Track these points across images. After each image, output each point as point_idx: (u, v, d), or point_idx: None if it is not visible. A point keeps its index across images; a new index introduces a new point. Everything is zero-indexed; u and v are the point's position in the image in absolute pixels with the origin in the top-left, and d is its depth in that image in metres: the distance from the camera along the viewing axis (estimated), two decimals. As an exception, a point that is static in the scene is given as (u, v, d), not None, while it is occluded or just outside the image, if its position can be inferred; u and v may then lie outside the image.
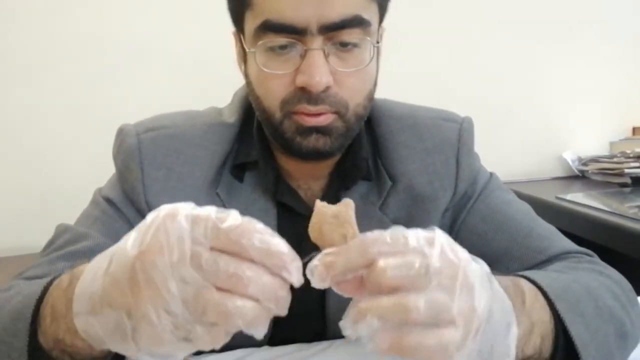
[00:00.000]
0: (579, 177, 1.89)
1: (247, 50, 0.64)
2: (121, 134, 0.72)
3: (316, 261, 0.39)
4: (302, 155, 0.65)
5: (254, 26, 0.61)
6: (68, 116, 1.50)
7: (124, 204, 0.69)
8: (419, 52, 1.74)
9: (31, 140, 1.48)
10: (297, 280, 0.37)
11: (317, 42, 0.59)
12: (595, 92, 1.95)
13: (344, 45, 0.61)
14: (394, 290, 0.37)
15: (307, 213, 0.70)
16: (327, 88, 0.61)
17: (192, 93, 1.42)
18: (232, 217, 0.36)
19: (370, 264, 0.37)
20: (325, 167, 0.72)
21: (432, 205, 0.73)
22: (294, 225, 0.65)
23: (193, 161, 0.70)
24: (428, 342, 0.36)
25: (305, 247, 0.42)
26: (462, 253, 0.39)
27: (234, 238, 0.36)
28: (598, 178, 1.80)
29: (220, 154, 0.71)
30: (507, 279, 0.52)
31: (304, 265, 0.38)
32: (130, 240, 0.37)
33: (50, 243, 0.67)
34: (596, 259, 0.69)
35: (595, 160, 1.83)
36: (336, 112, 0.63)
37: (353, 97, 0.64)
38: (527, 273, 0.55)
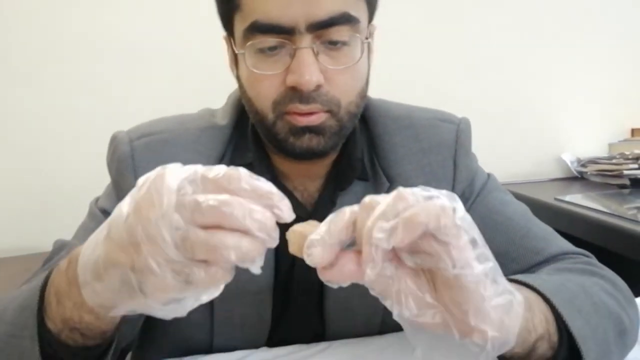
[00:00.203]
0: (577, 179, 1.89)
1: (236, 52, 0.64)
2: (114, 141, 0.71)
3: (314, 235, 0.40)
4: (296, 156, 0.65)
5: (243, 28, 0.61)
6: (68, 117, 1.50)
7: None
8: (417, 52, 1.75)
9: (31, 140, 1.48)
10: (288, 216, 0.38)
11: (305, 41, 0.60)
12: (594, 93, 1.95)
13: (333, 43, 0.61)
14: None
15: (303, 214, 0.70)
16: (318, 87, 0.61)
17: (192, 93, 1.42)
18: (217, 168, 0.38)
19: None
20: (321, 168, 0.72)
21: None
22: (290, 226, 0.66)
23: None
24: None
25: None
26: None
27: (222, 184, 0.37)
28: (597, 179, 1.80)
29: (214, 157, 0.71)
30: None
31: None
32: (125, 205, 0.38)
33: (48, 259, 0.67)
34: (593, 260, 0.69)
35: (594, 161, 1.83)
36: (328, 111, 0.63)
37: (345, 95, 0.64)
38: (518, 277, 0.54)
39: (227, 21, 0.65)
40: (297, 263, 0.70)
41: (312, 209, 0.71)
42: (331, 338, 0.73)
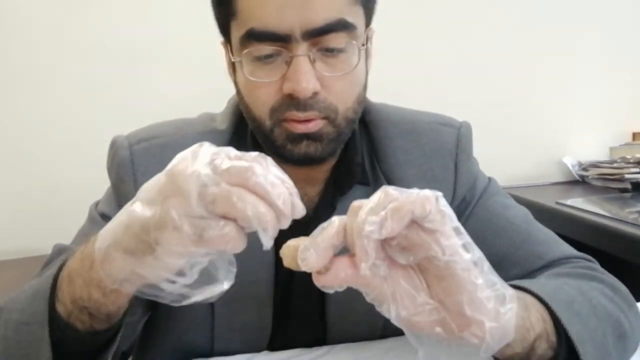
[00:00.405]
0: (579, 182, 1.88)
1: (233, 60, 0.65)
2: (114, 146, 0.72)
3: (307, 241, 0.42)
4: (294, 162, 0.65)
5: (239, 35, 0.61)
6: (68, 120, 1.50)
7: None
8: (417, 55, 1.75)
9: (30, 143, 1.49)
10: (302, 208, 0.42)
11: (302, 49, 0.60)
12: (595, 97, 1.95)
13: (329, 50, 0.61)
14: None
15: (303, 219, 0.70)
16: (315, 94, 0.61)
17: (192, 97, 1.42)
18: (249, 153, 0.42)
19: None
20: (320, 173, 0.72)
21: None
22: (290, 231, 0.66)
23: None
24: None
25: None
26: None
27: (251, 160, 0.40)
28: (598, 183, 1.80)
29: None
30: None
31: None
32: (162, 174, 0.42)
33: (47, 264, 0.67)
34: (594, 264, 0.69)
35: (595, 165, 1.83)
36: (326, 118, 0.63)
37: (342, 102, 0.64)
38: (515, 282, 0.54)
39: (224, 28, 0.66)
40: (297, 267, 0.70)
41: (313, 213, 0.71)
42: (333, 343, 0.73)
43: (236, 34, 0.62)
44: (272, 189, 0.39)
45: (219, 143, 0.72)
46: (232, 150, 0.41)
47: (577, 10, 1.89)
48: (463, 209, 0.75)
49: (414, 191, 0.42)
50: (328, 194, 0.72)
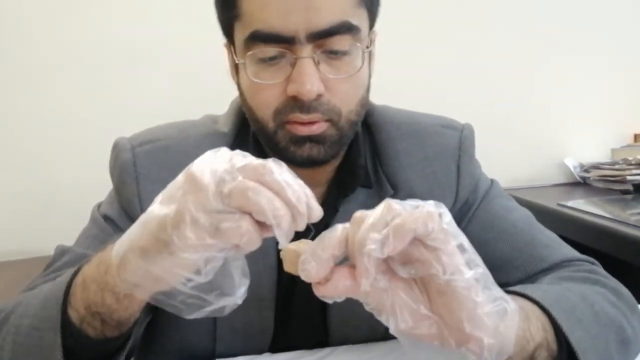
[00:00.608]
0: (580, 184, 1.88)
1: (237, 62, 0.64)
2: (116, 148, 0.72)
3: (308, 251, 0.42)
4: (297, 164, 0.65)
5: (243, 37, 0.61)
6: (69, 121, 1.50)
7: (122, 220, 0.69)
8: (417, 56, 1.74)
9: (32, 144, 1.48)
10: (319, 211, 0.41)
11: (306, 51, 0.59)
12: (596, 98, 1.95)
13: (334, 53, 0.61)
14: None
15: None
16: (319, 96, 0.61)
17: (194, 98, 1.42)
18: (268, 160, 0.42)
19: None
20: (323, 174, 0.72)
21: None
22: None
23: None
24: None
25: None
26: None
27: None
28: (600, 185, 1.79)
29: None
30: None
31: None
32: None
33: (49, 265, 0.67)
34: (597, 267, 0.69)
35: (596, 166, 1.83)
36: (329, 120, 0.63)
37: (345, 104, 0.64)
38: (517, 288, 0.54)
39: (228, 29, 0.66)
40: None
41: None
42: (334, 345, 0.73)
43: (240, 35, 0.62)
44: (287, 186, 0.40)
45: (221, 145, 0.72)
46: (249, 154, 0.42)
47: (578, 11, 1.88)
48: (465, 212, 0.75)
49: (418, 204, 0.41)
50: (331, 197, 0.72)
